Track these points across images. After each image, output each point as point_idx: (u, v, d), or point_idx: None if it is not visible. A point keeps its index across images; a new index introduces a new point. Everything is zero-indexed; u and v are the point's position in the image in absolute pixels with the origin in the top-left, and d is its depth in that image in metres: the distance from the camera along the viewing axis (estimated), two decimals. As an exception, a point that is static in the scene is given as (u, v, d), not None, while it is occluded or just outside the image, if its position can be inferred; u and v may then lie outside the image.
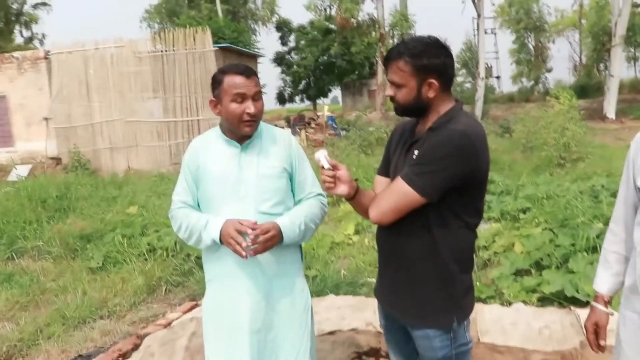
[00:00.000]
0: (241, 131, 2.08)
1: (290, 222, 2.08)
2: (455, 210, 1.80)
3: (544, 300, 3.85)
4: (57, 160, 14.55)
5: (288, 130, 2.28)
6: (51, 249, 6.18)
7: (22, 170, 13.85)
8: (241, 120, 2.05)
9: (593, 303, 1.88)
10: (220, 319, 2.15)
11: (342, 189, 1.85)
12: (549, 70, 38.75)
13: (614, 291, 1.85)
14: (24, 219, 7.06)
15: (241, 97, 2.03)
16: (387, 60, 1.82)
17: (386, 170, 2.02)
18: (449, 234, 1.81)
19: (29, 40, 37.09)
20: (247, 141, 2.13)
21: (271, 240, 2.00)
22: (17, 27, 36.73)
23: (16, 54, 15.39)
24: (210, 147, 2.17)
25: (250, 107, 2.03)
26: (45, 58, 14.63)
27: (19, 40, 36.60)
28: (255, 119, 2.06)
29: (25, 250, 6.28)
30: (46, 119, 14.60)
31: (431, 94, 1.79)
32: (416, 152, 1.79)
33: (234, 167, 2.11)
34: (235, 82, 2.03)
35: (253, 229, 1.94)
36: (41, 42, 36.79)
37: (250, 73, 2.06)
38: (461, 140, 1.71)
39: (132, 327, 4.18)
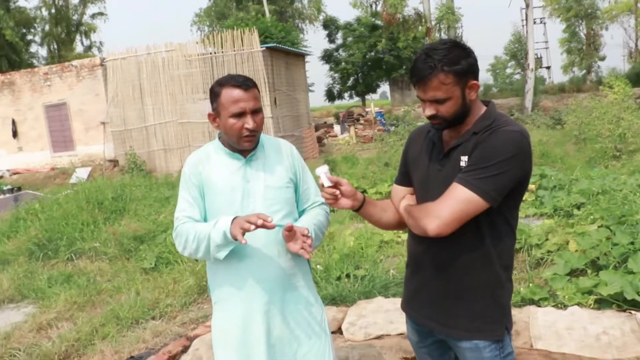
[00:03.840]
0: (241, 146, 2.02)
1: None
2: (504, 215, 1.74)
3: (601, 303, 3.65)
4: (114, 162, 15.09)
5: (288, 142, 2.23)
6: (107, 250, 6.41)
7: (82, 173, 14.45)
8: (240, 136, 1.98)
9: None
10: (233, 338, 2.06)
11: (345, 203, 1.83)
12: (602, 59, 37.08)
13: None
14: (82, 220, 7.32)
15: (239, 112, 1.95)
16: (421, 80, 1.69)
17: (404, 179, 1.98)
18: (499, 240, 1.76)
19: (88, 48, 38.87)
20: (250, 153, 2.07)
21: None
22: (77, 36, 38.53)
23: (75, 62, 16.08)
24: (212, 161, 2.08)
25: (249, 122, 1.96)
26: (101, 65, 15.21)
27: (79, 49, 38.41)
28: (254, 133, 1.99)
29: (83, 252, 6.52)
30: (103, 123, 15.18)
31: (473, 96, 1.73)
32: (464, 157, 1.71)
33: (240, 180, 2.04)
34: (232, 96, 1.95)
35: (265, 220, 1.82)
36: (99, 50, 38.50)
37: (248, 85, 1.97)
38: (521, 141, 1.67)
39: (182, 328, 4.26)
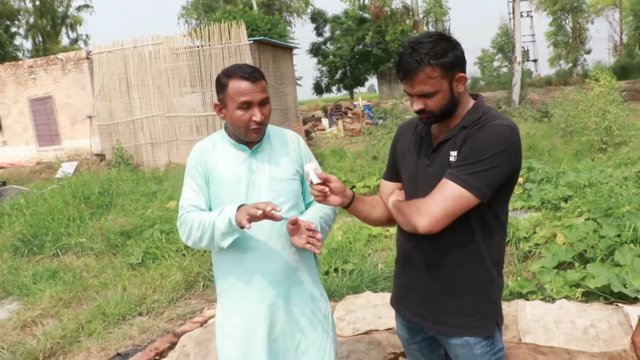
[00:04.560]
0: (248, 138, 2.00)
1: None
2: (494, 210, 1.73)
3: (589, 296, 3.68)
4: (101, 156, 14.93)
5: (295, 132, 2.22)
6: (93, 246, 6.34)
7: (68, 168, 14.28)
8: (248, 128, 1.96)
9: None
10: (235, 329, 2.04)
11: (334, 199, 1.79)
12: (588, 52, 37.64)
13: None
14: (68, 216, 7.23)
15: (247, 104, 1.93)
16: (408, 74, 1.66)
17: (393, 175, 1.96)
18: (489, 236, 1.74)
19: (75, 41, 38.40)
20: (256, 145, 2.04)
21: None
22: (63, 29, 38.03)
23: (60, 55, 15.82)
24: (217, 151, 2.06)
25: (256, 114, 1.93)
26: (87, 58, 15.00)
27: (65, 41, 37.91)
28: (262, 126, 1.97)
29: (69, 247, 6.44)
30: (90, 117, 14.99)
31: (461, 89, 1.71)
32: (453, 152, 1.69)
33: (245, 171, 2.02)
34: (240, 88, 1.92)
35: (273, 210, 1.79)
36: (85, 43, 38.08)
37: (256, 77, 1.94)
38: (511, 135, 1.64)
39: (169, 324, 4.22)
